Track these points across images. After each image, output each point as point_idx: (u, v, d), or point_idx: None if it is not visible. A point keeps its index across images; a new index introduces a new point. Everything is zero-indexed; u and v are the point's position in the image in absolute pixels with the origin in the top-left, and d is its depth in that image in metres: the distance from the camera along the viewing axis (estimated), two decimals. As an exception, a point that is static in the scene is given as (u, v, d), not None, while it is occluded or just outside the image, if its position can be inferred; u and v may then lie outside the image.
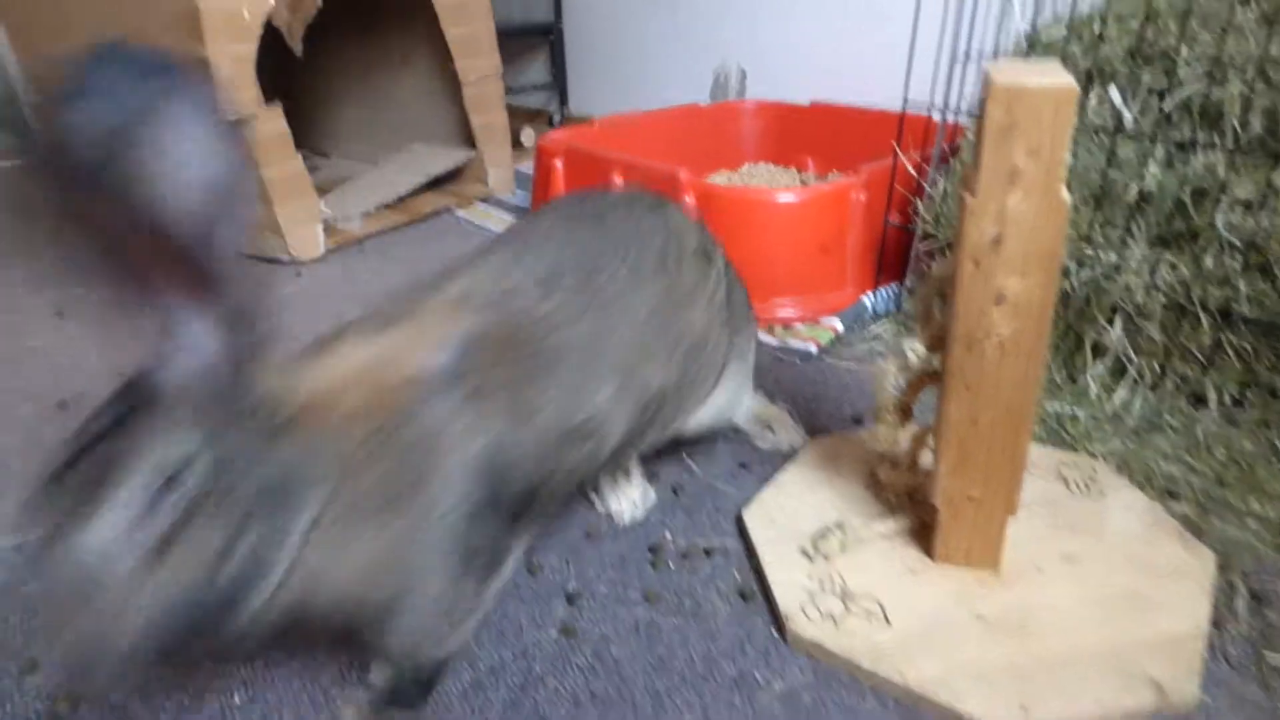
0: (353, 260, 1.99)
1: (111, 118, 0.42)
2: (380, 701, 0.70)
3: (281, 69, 2.14)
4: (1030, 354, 0.75)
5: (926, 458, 0.89)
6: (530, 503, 0.72)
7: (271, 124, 1.91)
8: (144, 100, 0.43)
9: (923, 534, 0.89)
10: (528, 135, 2.82)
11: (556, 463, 0.73)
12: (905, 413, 0.92)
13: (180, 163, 0.44)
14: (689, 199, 1.53)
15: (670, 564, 0.92)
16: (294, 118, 1.94)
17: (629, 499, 1.00)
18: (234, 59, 1.79)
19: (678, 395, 0.87)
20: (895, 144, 1.43)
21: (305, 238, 1.98)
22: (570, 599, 0.88)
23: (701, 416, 0.98)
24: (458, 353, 0.65)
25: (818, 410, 1.22)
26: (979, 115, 0.70)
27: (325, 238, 2.01)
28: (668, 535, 0.97)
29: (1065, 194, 0.68)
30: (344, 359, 0.63)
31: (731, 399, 1.04)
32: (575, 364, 0.73)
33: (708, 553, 0.94)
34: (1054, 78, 0.66)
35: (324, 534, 0.56)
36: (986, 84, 0.68)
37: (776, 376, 1.32)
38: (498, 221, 2.18)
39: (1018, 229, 0.70)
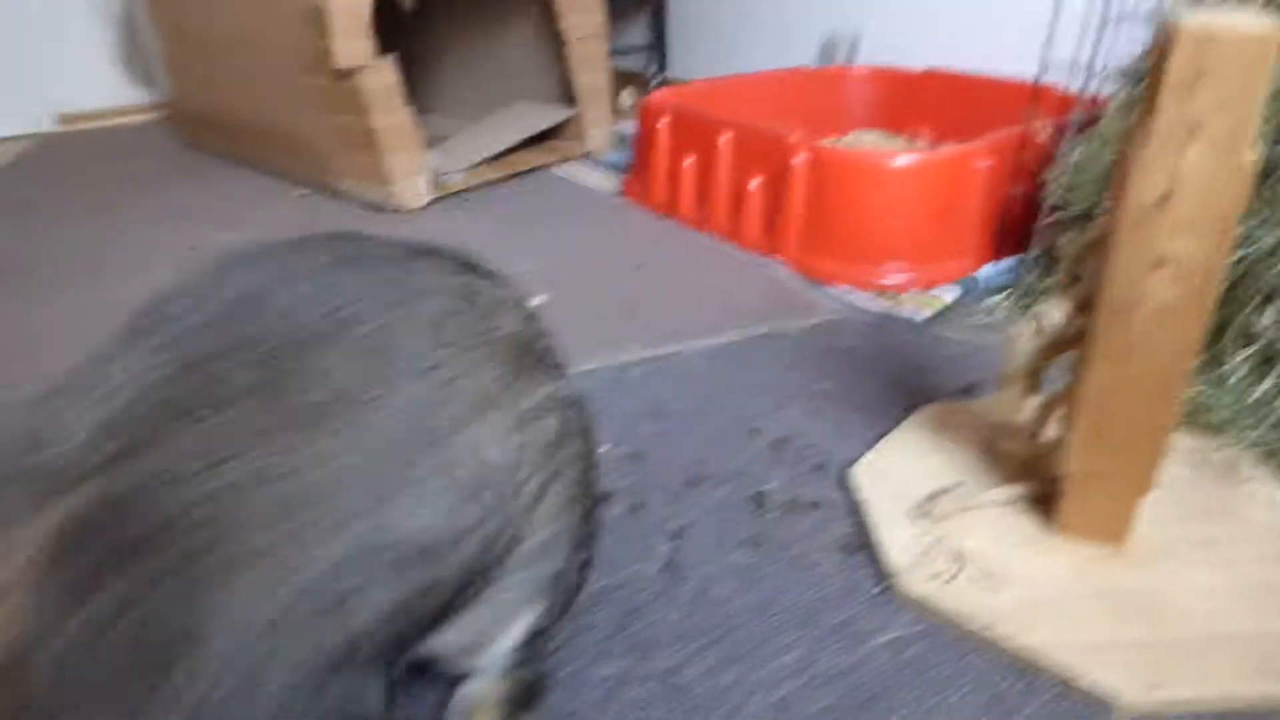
0: (454, 212, 2.02)
1: None
2: None
3: (390, 26, 2.19)
4: (1188, 325, 0.70)
5: (1052, 428, 0.85)
6: None
7: (384, 75, 1.95)
8: None
9: (1043, 505, 0.86)
10: (625, 97, 2.81)
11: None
12: (1034, 379, 0.88)
13: None
14: (799, 160, 1.50)
15: (772, 514, 0.92)
16: (400, 74, 1.98)
17: None
18: (349, 9, 1.84)
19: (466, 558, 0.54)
20: (1026, 110, 1.37)
21: (410, 188, 2.02)
22: (673, 538, 0.88)
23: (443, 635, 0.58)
24: (40, 584, 0.37)
25: (924, 379, 1.19)
26: (1151, 67, 0.65)
27: (428, 189, 2.05)
28: (769, 487, 0.96)
29: (1251, 153, 0.64)
30: None
31: (490, 625, 0.63)
32: (261, 523, 0.43)
33: (811, 506, 0.93)
34: (1249, 25, 0.61)
35: None
36: (1167, 31, 0.63)
37: (880, 343, 1.29)
38: (596, 180, 2.19)
39: (1191, 188, 0.65)
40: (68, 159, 2.82)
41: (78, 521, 0.39)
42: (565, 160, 2.34)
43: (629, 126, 2.48)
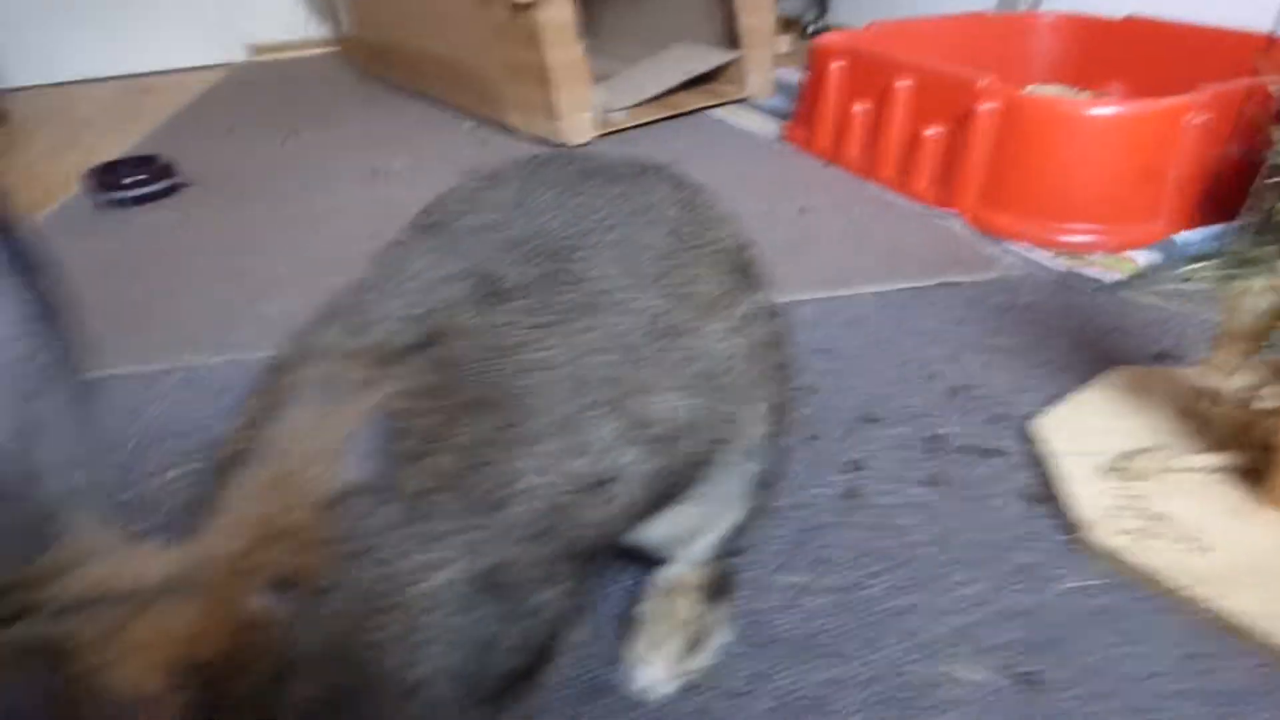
0: (616, 149, 2.06)
1: None
2: None
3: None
4: None
5: (1270, 396, 0.81)
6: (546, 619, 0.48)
7: (560, 11, 1.99)
8: None
9: (1251, 475, 0.82)
10: (782, 42, 2.76)
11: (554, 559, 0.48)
12: (1255, 343, 0.83)
13: None
14: (987, 107, 1.44)
15: (951, 457, 0.92)
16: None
17: (669, 658, 0.67)
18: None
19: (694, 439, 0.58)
20: (1256, 63, 1.26)
21: (577, 123, 2.08)
22: (849, 469, 0.90)
23: (655, 526, 0.63)
24: (379, 444, 0.41)
25: (1112, 342, 1.14)
26: None
27: (594, 126, 2.09)
28: (947, 431, 0.95)
29: None
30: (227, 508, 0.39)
31: (699, 520, 0.68)
32: (552, 403, 0.48)
33: (990, 454, 0.92)
34: None
35: None
36: None
37: (1063, 303, 1.24)
38: (755, 124, 2.17)
39: None
40: (258, 87, 3.04)
41: (409, 394, 0.44)
42: (725, 103, 2.33)
43: (789, 72, 2.44)
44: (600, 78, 2.45)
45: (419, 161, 2.03)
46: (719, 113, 2.29)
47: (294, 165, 2.06)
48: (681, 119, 2.24)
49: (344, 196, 1.78)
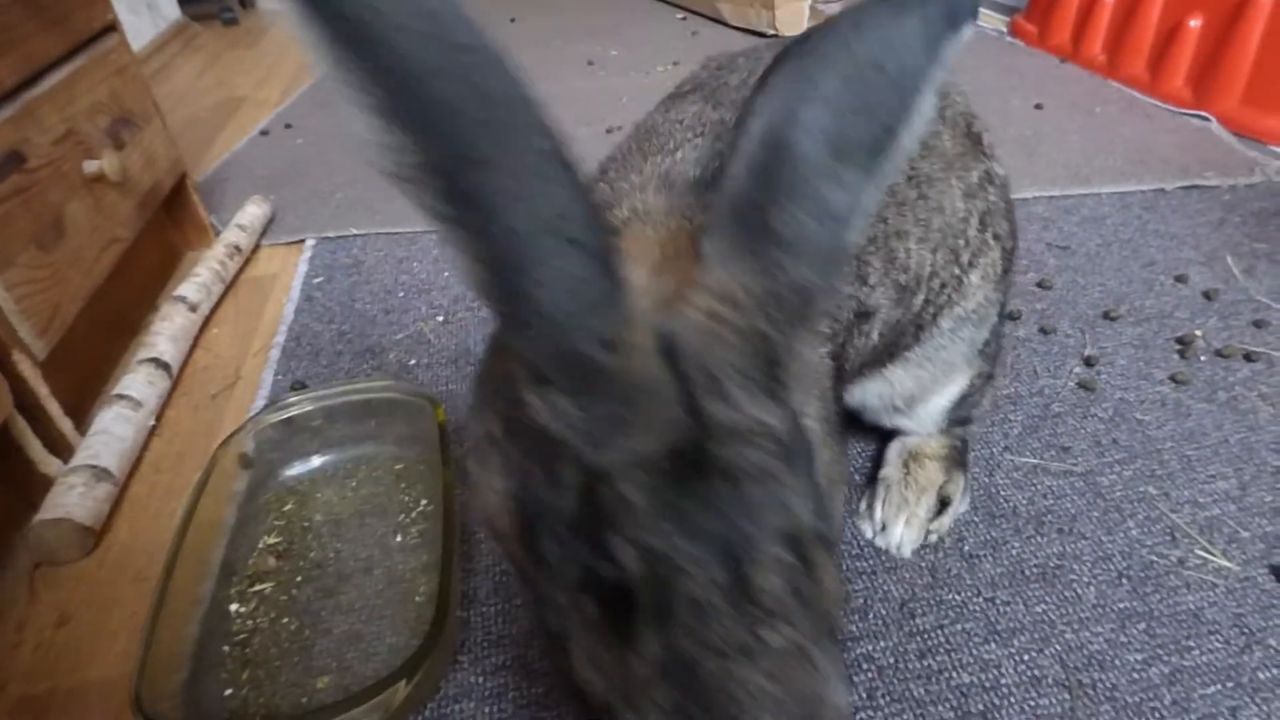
0: (827, 41, 2.00)
1: None
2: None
3: None
4: None
5: None
6: None
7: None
8: None
9: None
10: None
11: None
12: None
13: None
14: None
15: (1201, 358, 0.88)
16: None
17: (915, 518, 0.71)
18: None
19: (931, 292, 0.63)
20: None
21: (794, 13, 2.03)
22: (1088, 362, 0.88)
23: (871, 385, 0.70)
24: None
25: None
26: None
27: (809, 15, 2.04)
28: (1198, 333, 0.91)
29: None
30: None
31: (930, 381, 0.71)
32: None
33: (1248, 358, 0.87)
34: None
35: None
36: None
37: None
38: (982, 18, 2.03)
39: None
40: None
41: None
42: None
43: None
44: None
45: (631, 51, 2.06)
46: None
47: (517, 52, 2.13)
48: (897, 12, 2.13)
49: (564, 85, 1.85)
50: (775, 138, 0.35)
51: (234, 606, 0.66)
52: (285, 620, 0.65)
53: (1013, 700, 0.58)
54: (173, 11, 2.40)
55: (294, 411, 0.78)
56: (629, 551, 0.29)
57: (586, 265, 0.29)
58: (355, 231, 1.22)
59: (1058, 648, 0.61)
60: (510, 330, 0.30)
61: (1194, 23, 1.44)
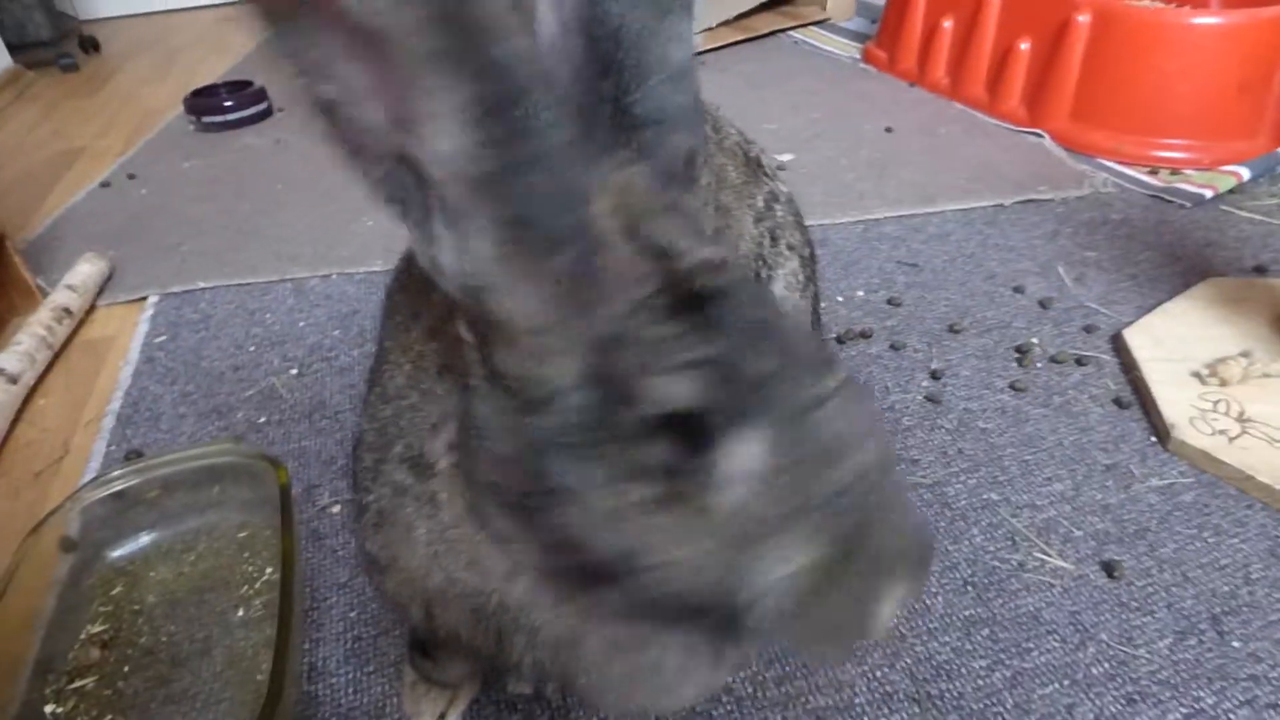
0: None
1: None
2: None
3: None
4: None
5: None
6: None
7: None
8: None
9: (1349, 380, 0.81)
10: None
11: None
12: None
13: None
14: (1083, 19, 1.39)
15: (1038, 365, 0.93)
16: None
17: None
18: None
19: None
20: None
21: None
22: (934, 375, 0.92)
23: None
24: None
25: (1207, 256, 1.12)
26: None
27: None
28: (1035, 341, 0.96)
29: None
30: None
31: None
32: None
33: (1079, 361, 0.93)
34: None
35: None
36: None
37: (1156, 217, 1.22)
38: (835, 46, 2.12)
39: None
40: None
41: None
42: (804, 25, 2.28)
43: (872, -10, 2.36)
44: (675, 0, 2.42)
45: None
46: (799, 34, 2.24)
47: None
48: (760, 41, 2.21)
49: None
50: (586, 20, 0.36)
51: (49, 708, 0.60)
52: (109, 718, 0.60)
53: (866, 718, 0.59)
54: (2, 59, 2.24)
55: (124, 484, 0.72)
56: (679, 381, 0.31)
57: None
58: (203, 285, 1.16)
59: (908, 661, 0.63)
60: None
61: (1024, 45, 1.55)
